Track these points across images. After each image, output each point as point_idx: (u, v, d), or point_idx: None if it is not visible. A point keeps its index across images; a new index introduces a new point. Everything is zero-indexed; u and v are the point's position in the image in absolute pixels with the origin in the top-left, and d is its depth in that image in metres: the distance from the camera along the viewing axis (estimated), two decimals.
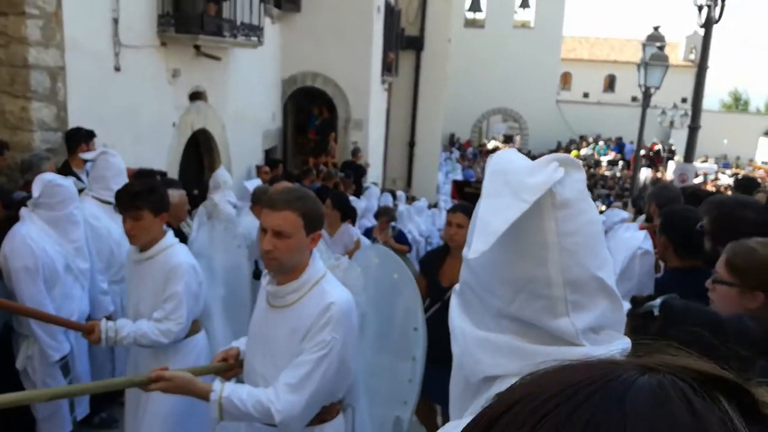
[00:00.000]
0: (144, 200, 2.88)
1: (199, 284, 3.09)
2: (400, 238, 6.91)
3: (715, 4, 7.39)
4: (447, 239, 3.61)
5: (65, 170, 5.13)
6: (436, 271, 3.65)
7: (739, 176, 24.33)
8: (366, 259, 2.62)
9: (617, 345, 0.96)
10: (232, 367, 2.39)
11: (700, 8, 8.06)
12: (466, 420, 0.90)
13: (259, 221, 5.44)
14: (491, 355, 0.99)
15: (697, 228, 2.90)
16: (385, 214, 6.89)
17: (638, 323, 1.26)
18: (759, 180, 10.53)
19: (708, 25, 7.70)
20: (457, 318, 1.07)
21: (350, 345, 2.19)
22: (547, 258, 0.93)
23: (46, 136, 5.34)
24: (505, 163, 0.99)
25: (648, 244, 2.86)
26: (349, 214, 5.82)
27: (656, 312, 1.20)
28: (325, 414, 2.27)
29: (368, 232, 6.76)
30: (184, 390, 2.20)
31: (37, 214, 3.68)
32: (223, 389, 2.12)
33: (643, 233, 2.95)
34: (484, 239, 0.92)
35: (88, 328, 2.96)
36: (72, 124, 5.53)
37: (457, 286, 1.09)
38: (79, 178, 5.03)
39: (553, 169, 0.93)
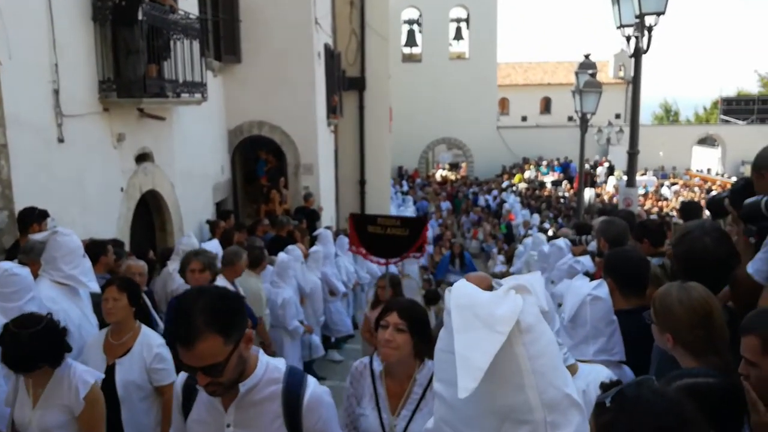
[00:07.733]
0: None
1: None
2: None
3: (642, 35, 7.73)
4: None
5: (14, 251, 4.97)
6: None
7: (681, 196, 25.31)
8: None
9: None
10: None
11: (628, 39, 8.42)
12: None
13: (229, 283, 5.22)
14: None
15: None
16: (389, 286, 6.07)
17: (594, 412, 1.24)
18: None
19: (637, 55, 8.05)
20: None
21: None
22: (523, 383, 0.96)
23: None
24: (468, 297, 1.01)
25: (600, 291, 2.90)
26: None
27: (608, 403, 1.21)
28: None
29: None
30: None
31: None
32: None
33: (596, 281, 3.01)
34: (471, 375, 0.93)
35: None
36: (17, 200, 5.37)
37: (430, 423, 1.10)
38: None
39: (514, 297, 0.97)
